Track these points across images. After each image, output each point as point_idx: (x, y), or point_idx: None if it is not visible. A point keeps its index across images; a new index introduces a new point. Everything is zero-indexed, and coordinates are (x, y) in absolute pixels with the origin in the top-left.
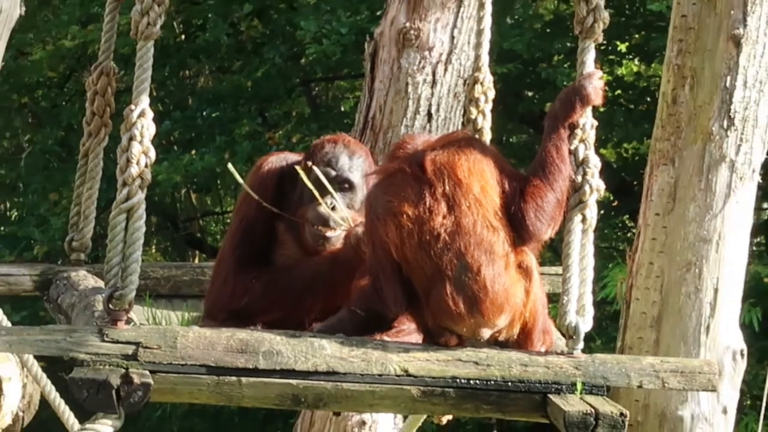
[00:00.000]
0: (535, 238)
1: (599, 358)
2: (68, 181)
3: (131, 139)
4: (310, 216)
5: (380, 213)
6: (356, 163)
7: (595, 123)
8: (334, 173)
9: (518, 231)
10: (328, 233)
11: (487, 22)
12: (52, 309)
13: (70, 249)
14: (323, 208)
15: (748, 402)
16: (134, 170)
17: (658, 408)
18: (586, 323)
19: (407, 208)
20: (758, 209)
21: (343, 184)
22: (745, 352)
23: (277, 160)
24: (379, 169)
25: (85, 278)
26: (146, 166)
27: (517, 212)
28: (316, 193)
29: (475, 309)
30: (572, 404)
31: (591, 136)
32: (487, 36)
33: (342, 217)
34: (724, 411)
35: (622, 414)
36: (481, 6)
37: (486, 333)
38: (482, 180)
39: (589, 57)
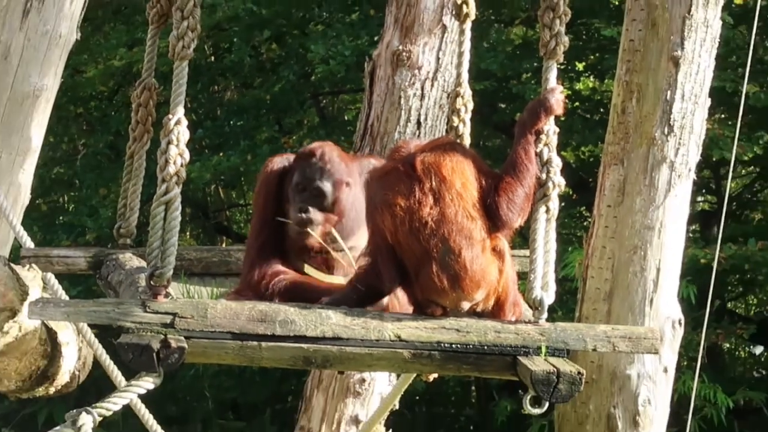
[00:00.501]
0: (507, 226)
1: (560, 326)
2: (116, 179)
3: (169, 143)
4: (291, 217)
5: (378, 204)
6: (325, 173)
7: (557, 130)
8: (303, 185)
9: (493, 220)
10: (303, 230)
11: (467, 46)
12: (103, 285)
13: (118, 235)
14: (299, 213)
15: (685, 363)
16: (172, 169)
17: (609, 368)
18: (549, 297)
19: (400, 200)
20: (693, 202)
21: (314, 192)
22: (683, 322)
23: (280, 160)
24: (379, 168)
25: (131, 259)
26: (181, 165)
27: (492, 204)
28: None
29: (456, 285)
30: (538, 365)
31: (554, 140)
32: (466, 57)
33: (316, 225)
34: (665, 370)
35: (579, 372)
36: (462, 32)
37: (466, 305)
38: (463, 177)
39: (552, 75)
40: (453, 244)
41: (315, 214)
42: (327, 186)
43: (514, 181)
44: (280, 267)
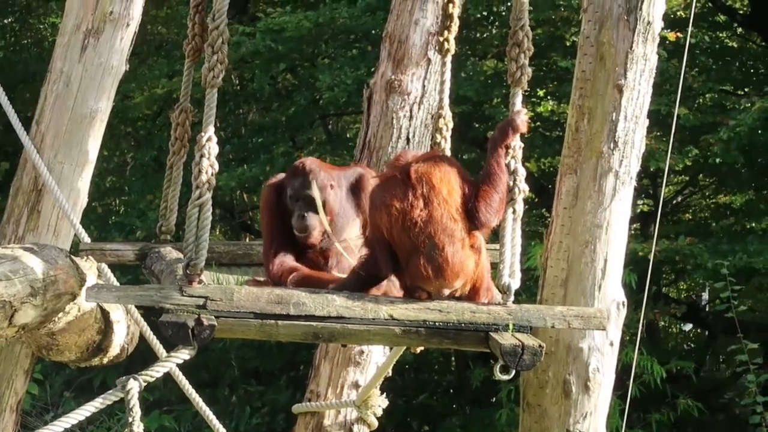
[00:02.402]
0: (486, 225)
1: (525, 307)
2: (160, 186)
3: (202, 156)
4: (293, 224)
5: (377, 205)
6: (310, 183)
7: (522, 145)
8: (296, 196)
9: (474, 221)
10: (305, 233)
11: (448, 75)
12: (147, 274)
13: (160, 232)
14: (298, 220)
15: (628, 338)
16: (204, 178)
17: (565, 342)
18: (515, 283)
19: (396, 203)
20: (634, 204)
21: (306, 200)
22: (626, 303)
23: (274, 181)
24: (380, 175)
25: (171, 252)
26: (212, 175)
27: (473, 208)
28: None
29: (439, 274)
30: (506, 339)
31: (519, 154)
32: (447, 85)
33: (312, 227)
34: (611, 344)
35: (540, 345)
36: (444, 64)
37: (446, 291)
38: (449, 186)
39: (518, 100)
40: (438, 240)
41: (311, 219)
42: (314, 192)
43: (490, 188)
44: (294, 263)
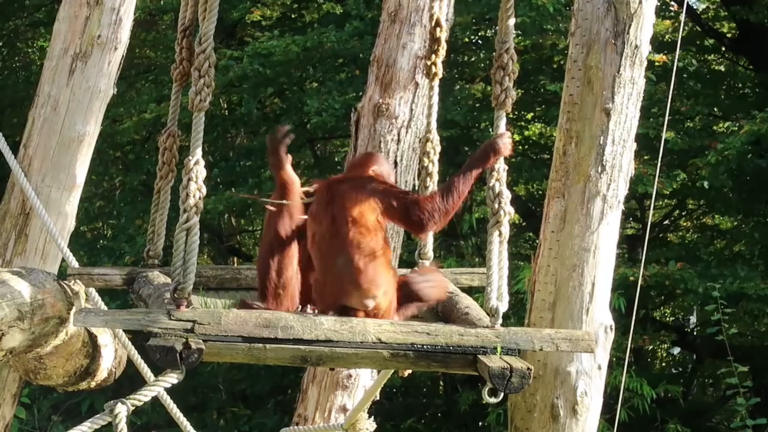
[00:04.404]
0: (421, 230)
1: (513, 330)
2: (149, 211)
3: (189, 180)
4: None
5: (310, 211)
6: None
7: (507, 167)
8: None
9: (408, 224)
10: None
11: (435, 99)
12: (135, 298)
13: (147, 257)
14: None
15: (614, 361)
16: (191, 201)
17: (553, 365)
18: (503, 306)
19: (316, 213)
20: (622, 228)
21: None
22: (613, 327)
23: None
24: (318, 184)
25: (158, 276)
26: (199, 198)
27: (411, 214)
28: None
29: (356, 285)
30: (494, 362)
31: (503, 176)
32: (435, 109)
33: None
34: (599, 367)
35: (528, 368)
36: (431, 88)
37: (370, 303)
38: (361, 207)
39: (502, 122)
40: (346, 254)
41: None
42: None
43: (440, 198)
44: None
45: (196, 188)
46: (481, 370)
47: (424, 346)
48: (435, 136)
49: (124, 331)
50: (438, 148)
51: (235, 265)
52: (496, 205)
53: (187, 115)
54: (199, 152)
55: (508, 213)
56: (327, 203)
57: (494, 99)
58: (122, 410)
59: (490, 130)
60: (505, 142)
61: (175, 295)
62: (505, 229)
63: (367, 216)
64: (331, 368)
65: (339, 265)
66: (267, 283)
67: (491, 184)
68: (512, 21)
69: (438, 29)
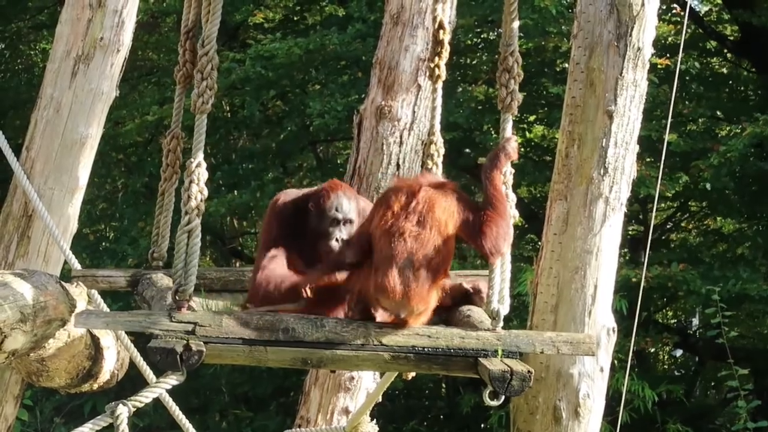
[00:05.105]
0: (495, 252)
1: (514, 332)
2: (151, 213)
3: (191, 182)
4: (332, 246)
5: (381, 199)
6: (353, 205)
7: (513, 171)
8: (341, 216)
9: (482, 249)
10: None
11: (438, 101)
12: (139, 300)
13: (151, 258)
14: (334, 243)
15: (617, 363)
16: (193, 204)
17: (555, 367)
18: (505, 309)
19: (395, 205)
20: (625, 230)
21: (347, 222)
22: (616, 329)
23: (289, 194)
24: (401, 179)
25: (162, 278)
26: (201, 201)
27: (478, 237)
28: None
29: (405, 292)
30: (495, 364)
31: (510, 179)
32: (438, 111)
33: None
34: (601, 370)
35: (529, 371)
36: (434, 91)
37: (402, 314)
38: (447, 219)
39: (508, 125)
40: (415, 261)
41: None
42: (354, 215)
43: (494, 214)
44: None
45: (198, 190)
46: (482, 373)
47: (425, 349)
48: (438, 138)
49: (126, 333)
50: (442, 151)
51: (238, 267)
52: None
53: (191, 118)
54: (200, 154)
55: (513, 216)
56: (416, 202)
57: (500, 102)
58: (123, 412)
59: (493, 132)
60: (513, 146)
61: (176, 297)
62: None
63: (449, 228)
64: (332, 371)
65: (401, 267)
66: (258, 286)
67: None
68: (516, 24)
69: (441, 31)
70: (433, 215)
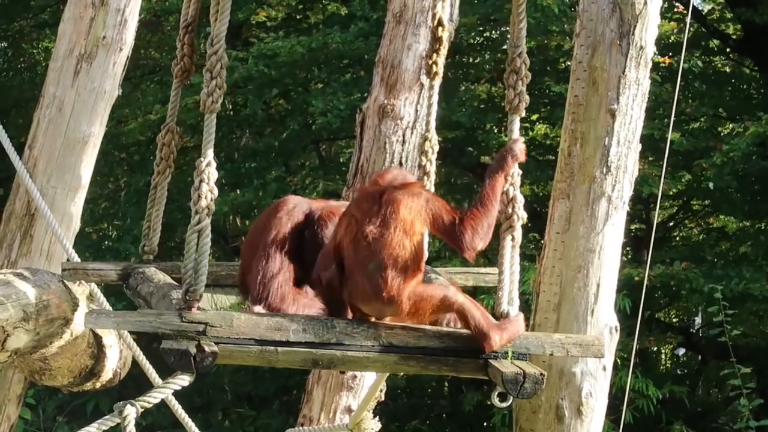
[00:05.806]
0: (469, 249)
1: (523, 334)
2: None
3: (201, 181)
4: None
5: (344, 213)
6: None
7: (520, 172)
8: None
9: (458, 244)
10: None
11: (435, 98)
12: (131, 294)
13: (143, 252)
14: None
15: (619, 362)
16: (203, 203)
17: (558, 366)
18: (514, 310)
19: (357, 214)
20: (627, 229)
21: None
22: (618, 328)
23: (299, 206)
24: (362, 189)
25: (156, 273)
26: (212, 200)
27: (458, 232)
28: None
29: (376, 295)
30: (507, 367)
31: (517, 181)
32: (434, 108)
33: None
34: (604, 369)
35: (542, 374)
36: (431, 87)
37: (385, 314)
38: (413, 218)
39: (516, 127)
40: (383, 262)
41: None
42: None
43: (480, 213)
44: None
45: (208, 189)
46: (493, 375)
47: (435, 350)
48: (433, 136)
49: (129, 332)
50: (436, 148)
51: None
52: (510, 210)
53: (189, 113)
54: (210, 153)
55: (521, 218)
56: (378, 206)
57: (507, 103)
58: (131, 412)
59: (496, 131)
60: (521, 148)
61: (187, 297)
62: (518, 234)
63: (416, 227)
64: (341, 372)
65: (369, 270)
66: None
67: (505, 189)
68: (524, 25)
69: (440, 29)
70: (397, 216)
